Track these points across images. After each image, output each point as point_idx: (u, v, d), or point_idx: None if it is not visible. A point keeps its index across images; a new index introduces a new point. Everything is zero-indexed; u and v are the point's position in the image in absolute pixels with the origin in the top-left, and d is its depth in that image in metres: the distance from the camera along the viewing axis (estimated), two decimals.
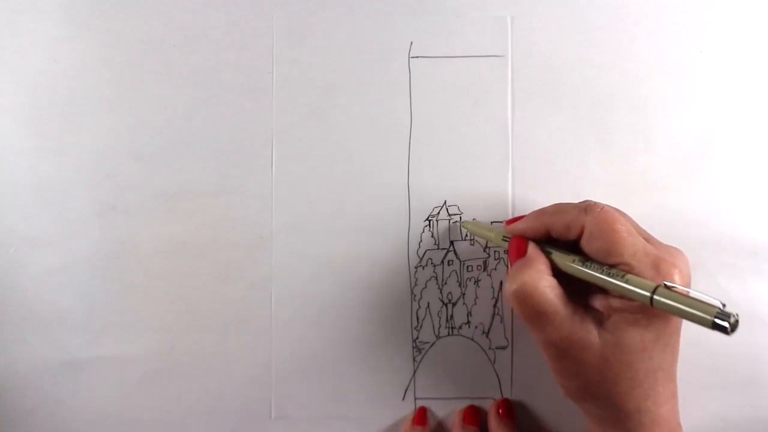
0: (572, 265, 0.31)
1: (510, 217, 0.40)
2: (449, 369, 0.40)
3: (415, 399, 0.40)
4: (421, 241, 0.40)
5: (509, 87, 0.40)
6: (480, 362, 0.40)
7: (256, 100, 0.40)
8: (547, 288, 0.31)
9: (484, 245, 0.40)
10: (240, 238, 0.40)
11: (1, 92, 0.39)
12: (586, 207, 0.31)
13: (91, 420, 0.40)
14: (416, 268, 0.40)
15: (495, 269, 0.40)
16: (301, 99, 0.40)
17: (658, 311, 0.28)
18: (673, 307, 0.27)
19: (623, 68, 0.40)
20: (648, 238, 0.31)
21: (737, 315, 0.25)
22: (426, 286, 0.40)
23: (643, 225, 0.33)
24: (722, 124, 0.40)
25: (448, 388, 0.40)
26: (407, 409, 0.40)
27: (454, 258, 0.40)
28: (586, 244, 0.31)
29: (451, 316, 0.40)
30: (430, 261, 0.40)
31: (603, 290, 0.31)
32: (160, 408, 0.40)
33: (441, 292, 0.40)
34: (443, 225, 0.40)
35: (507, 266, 0.40)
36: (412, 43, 0.40)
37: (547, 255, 0.33)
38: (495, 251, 0.40)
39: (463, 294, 0.40)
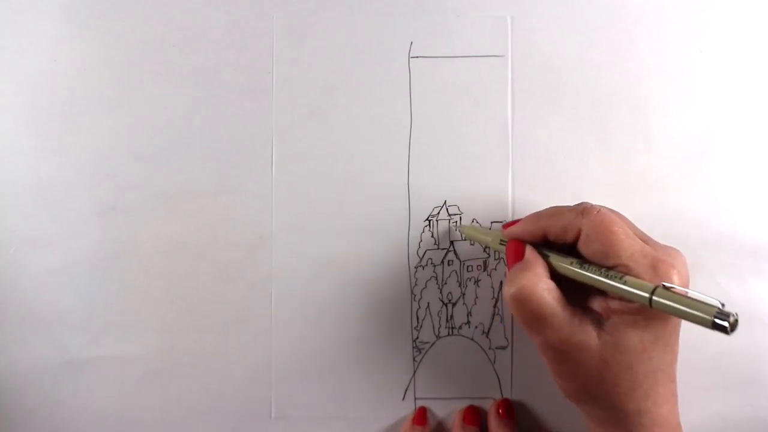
0: (570, 267, 0.31)
1: (509, 216, 0.40)
2: (449, 369, 0.40)
3: (415, 399, 0.40)
4: (421, 241, 0.40)
5: (509, 87, 0.40)
6: (480, 362, 0.40)
7: (256, 100, 0.40)
8: (545, 291, 0.31)
9: (483, 245, 0.40)
10: (240, 238, 0.40)
11: (1, 92, 0.39)
12: (583, 209, 0.31)
13: (91, 420, 0.40)
14: (416, 268, 0.40)
15: (495, 269, 0.40)
16: (301, 99, 0.40)
17: (657, 312, 0.28)
18: (672, 307, 0.27)
19: (623, 68, 0.40)
20: (645, 239, 0.31)
21: (737, 314, 0.25)
22: (426, 286, 0.40)
23: (643, 225, 0.33)
24: (722, 124, 0.40)
25: (448, 388, 0.40)
26: (407, 409, 0.40)
27: (454, 258, 0.40)
28: (583, 247, 0.31)
29: (451, 316, 0.40)
30: (430, 261, 0.40)
31: (601, 292, 0.31)
32: (160, 408, 0.40)
33: (441, 292, 0.40)
34: (443, 225, 0.40)
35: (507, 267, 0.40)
36: (412, 43, 0.40)
37: (545, 258, 0.33)
38: (495, 251, 0.40)
39: (463, 294, 0.40)
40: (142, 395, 0.40)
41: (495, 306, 0.40)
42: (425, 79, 0.40)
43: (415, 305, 0.40)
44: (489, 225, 0.40)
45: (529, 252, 0.33)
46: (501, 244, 0.36)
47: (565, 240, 0.32)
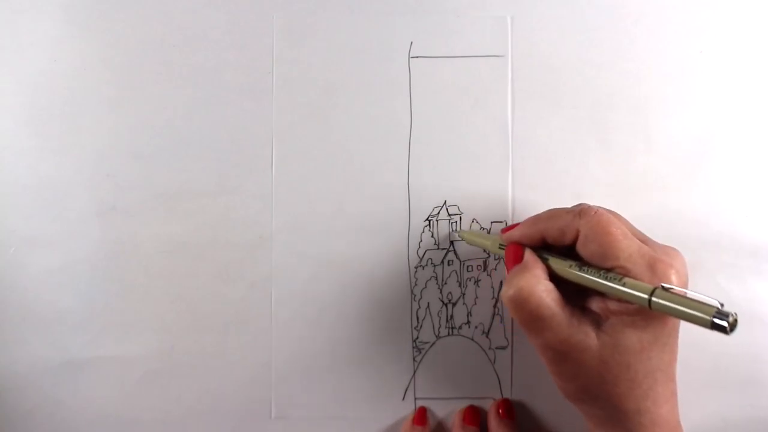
0: (569, 270, 0.31)
1: (509, 216, 0.40)
2: (449, 369, 0.40)
3: (415, 399, 0.40)
4: (421, 241, 0.40)
5: (509, 87, 0.40)
6: (480, 362, 0.40)
7: (256, 100, 0.40)
8: (544, 292, 0.31)
9: (482, 249, 0.40)
10: (240, 238, 0.40)
11: (1, 92, 0.39)
12: (580, 211, 0.31)
13: (91, 420, 0.40)
14: (416, 268, 0.40)
15: (495, 269, 0.40)
16: (301, 99, 0.40)
17: (656, 312, 0.28)
18: (671, 308, 0.27)
19: (623, 68, 0.40)
20: (644, 239, 0.31)
21: (736, 314, 0.25)
22: (426, 286, 0.40)
23: (643, 225, 0.33)
24: (722, 124, 0.40)
25: (448, 388, 0.40)
26: (407, 409, 0.40)
27: (454, 258, 0.40)
28: (581, 248, 0.31)
29: (451, 316, 0.40)
30: (430, 261, 0.40)
31: (600, 293, 0.31)
32: (160, 408, 0.40)
33: (441, 292, 0.40)
34: (443, 225, 0.40)
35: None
36: (412, 43, 0.40)
37: (544, 261, 0.32)
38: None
39: (463, 294, 0.40)
40: (142, 395, 0.40)
41: (495, 306, 0.40)
42: (425, 79, 0.40)
43: (415, 305, 0.40)
44: (489, 225, 0.40)
45: (528, 254, 0.33)
46: (500, 248, 0.36)
47: (563, 242, 0.32)
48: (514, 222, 0.38)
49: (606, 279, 0.29)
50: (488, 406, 0.40)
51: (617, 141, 0.40)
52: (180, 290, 0.40)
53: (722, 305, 0.26)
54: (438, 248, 0.40)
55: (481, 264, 0.40)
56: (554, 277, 0.32)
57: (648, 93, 0.40)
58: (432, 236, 0.40)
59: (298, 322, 0.40)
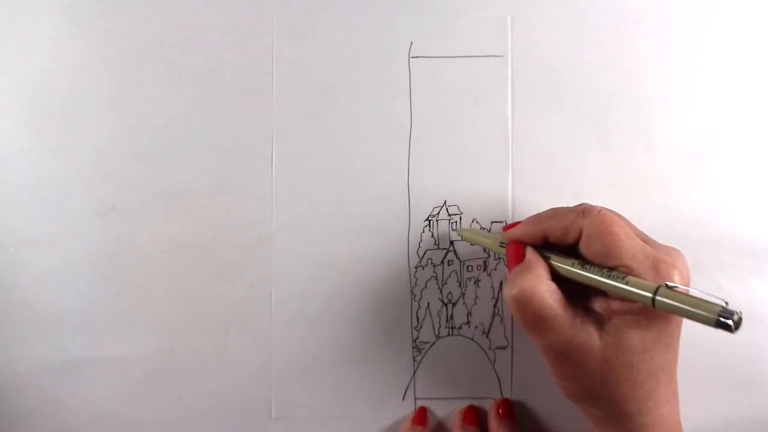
0: (571, 269, 0.31)
1: (509, 216, 0.40)
2: (449, 369, 0.40)
3: (415, 399, 0.40)
4: (421, 241, 0.40)
5: (509, 87, 0.40)
6: (480, 362, 0.40)
7: (256, 100, 0.40)
8: (547, 292, 0.30)
9: (483, 248, 0.40)
10: (240, 238, 0.40)
11: (1, 92, 0.39)
12: (583, 210, 0.31)
13: (91, 420, 0.40)
14: (416, 268, 0.40)
15: (495, 269, 0.40)
16: (301, 99, 0.40)
17: (659, 312, 0.28)
18: (676, 307, 0.27)
19: (623, 68, 0.40)
20: (646, 240, 0.31)
21: (740, 313, 0.25)
22: (426, 286, 0.40)
23: (643, 225, 0.33)
24: (722, 124, 0.40)
25: (448, 388, 0.40)
26: (407, 409, 0.40)
27: (454, 258, 0.40)
28: (584, 248, 0.31)
29: (451, 316, 0.40)
30: (430, 261, 0.40)
31: (602, 293, 0.31)
32: (160, 408, 0.40)
33: (441, 292, 0.40)
34: (443, 225, 0.40)
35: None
36: (412, 43, 0.40)
37: (546, 260, 0.32)
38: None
39: (463, 294, 0.40)
40: (142, 395, 0.40)
41: (495, 306, 0.40)
42: (425, 79, 0.40)
43: (415, 305, 0.40)
44: (489, 225, 0.40)
45: (530, 253, 0.33)
46: (501, 246, 0.35)
47: (565, 241, 0.32)
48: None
49: (609, 278, 0.29)
50: (488, 406, 0.40)
51: (617, 141, 0.40)
52: (180, 290, 0.40)
53: (727, 304, 0.26)
54: (438, 248, 0.40)
55: (481, 264, 0.40)
56: (555, 277, 0.32)
57: (648, 93, 0.40)
58: (432, 236, 0.40)
59: (298, 322, 0.40)
